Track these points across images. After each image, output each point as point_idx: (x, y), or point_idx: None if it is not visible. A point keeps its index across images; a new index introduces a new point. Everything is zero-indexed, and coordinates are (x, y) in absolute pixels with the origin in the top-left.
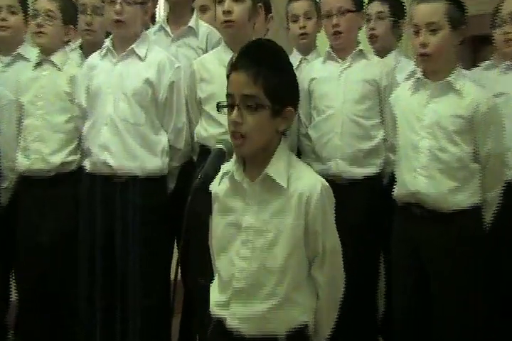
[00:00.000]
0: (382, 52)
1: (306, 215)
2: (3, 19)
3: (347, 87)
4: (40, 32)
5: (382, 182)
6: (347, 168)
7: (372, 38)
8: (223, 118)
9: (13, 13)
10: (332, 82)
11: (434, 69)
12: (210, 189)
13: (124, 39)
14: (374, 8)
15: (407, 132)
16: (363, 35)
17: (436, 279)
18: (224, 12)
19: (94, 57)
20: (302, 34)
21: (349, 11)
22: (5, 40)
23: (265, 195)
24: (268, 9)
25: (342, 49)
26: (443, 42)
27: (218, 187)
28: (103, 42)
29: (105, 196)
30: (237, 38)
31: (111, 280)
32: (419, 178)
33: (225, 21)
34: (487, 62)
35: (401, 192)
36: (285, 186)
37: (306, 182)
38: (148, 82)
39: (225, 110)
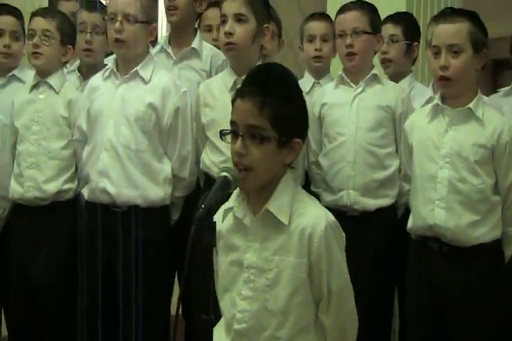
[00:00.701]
0: (395, 77)
1: (308, 253)
2: (7, 46)
3: (360, 113)
4: (37, 52)
5: (396, 214)
6: (359, 199)
7: (384, 63)
8: (224, 145)
9: (16, 39)
10: (344, 108)
11: (453, 95)
12: (214, 219)
13: (128, 60)
14: (386, 30)
15: (424, 161)
16: (375, 60)
17: (455, 318)
18: (225, 33)
19: (97, 78)
20: (317, 57)
21: (365, 32)
22: (4, 66)
23: (267, 232)
24: (280, 33)
25: (355, 72)
26: (465, 66)
27: (222, 224)
28: (102, 64)
29: (105, 227)
30: (241, 61)
31: (111, 317)
32: (437, 211)
33: (226, 43)
34: (506, 88)
35: (417, 225)
36: (286, 222)
37: (309, 217)
38: (151, 106)
39: (228, 138)
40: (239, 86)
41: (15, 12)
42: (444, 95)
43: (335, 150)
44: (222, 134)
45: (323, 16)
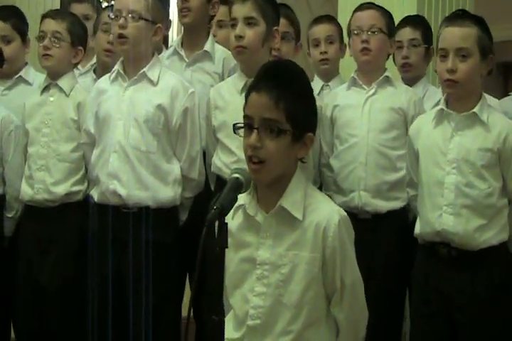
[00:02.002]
0: (411, 81)
1: (323, 248)
2: None
3: (372, 115)
4: (47, 54)
5: (407, 217)
6: (370, 201)
7: (405, 67)
8: (235, 146)
9: (8, 42)
10: (356, 110)
11: (457, 97)
12: (226, 220)
13: (133, 61)
14: (406, 35)
15: (431, 167)
16: (390, 64)
17: (464, 322)
18: (236, 37)
19: (104, 81)
20: (323, 59)
21: (382, 32)
22: (5, 71)
23: (280, 228)
24: (298, 36)
25: (368, 71)
26: (472, 71)
27: (232, 221)
28: None
29: (115, 228)
30: (251, 64)
31: (121, 319)
32: (444, 216)
33: (237, 47)
34: None
35: (425, 231)
36: (300, 218)
37: (322, 212)
38: (160, 108)
39: (241, 132)
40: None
41: (3, 14)
42: (449, 97)
43: (346, 152)
44: (235, 128)
45: (326, 18)
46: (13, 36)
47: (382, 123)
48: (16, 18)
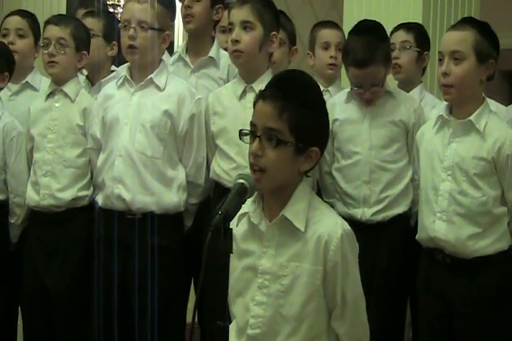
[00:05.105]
0: (405, 85)
1: (324, 261)
2: (11, 43)
3: (373, 131)
4: (52, 61)
5: (409, 222)
6: (374, 216)
7: (395, 68)
8: (234, 152)
9: (21, 36)
10: (356, 125)
11: (456, 103)
12: (230, 226)
13: (141, 67)
14: (398, 37)
15: (429, 173)
16: None
17: (462, 329)
18: (232, 41)
19: (110, 86)
20: (331, 64)
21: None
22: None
23: (283, 238)
24: (293, 41)
25: None
26: (465, 74)
27: (236, 228)
28: (109, 70)
29: (119, 234)
30: (249, 69)
31: (126, 324)
32: (437, 223)
33: (234, 51)
34: None
35: (420, 236)
36: (302, 229)
37: (325, 225)
38: (167, 113)
39: (245, 139)
40: (248, 94)
41: (22, 12)
42: (447, 102)
43: (349, 169)
44: (241, 134)
45: (335, 25)
46: (28, 33)
47: (383, 138)
48: (33, 20)
